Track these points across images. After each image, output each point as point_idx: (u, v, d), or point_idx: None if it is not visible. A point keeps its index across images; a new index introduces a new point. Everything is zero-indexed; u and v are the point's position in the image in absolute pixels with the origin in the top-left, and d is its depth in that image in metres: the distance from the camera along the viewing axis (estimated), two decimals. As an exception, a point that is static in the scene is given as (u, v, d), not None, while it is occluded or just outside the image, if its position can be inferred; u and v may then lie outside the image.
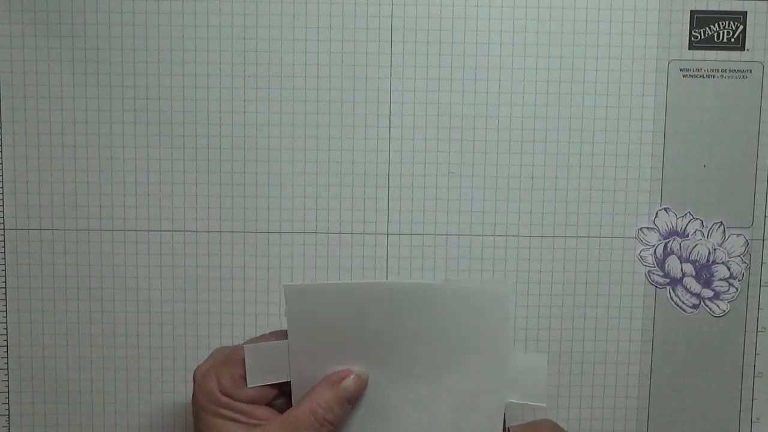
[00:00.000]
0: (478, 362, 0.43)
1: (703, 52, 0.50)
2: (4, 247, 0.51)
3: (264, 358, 0.43)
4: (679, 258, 0.51)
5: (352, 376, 0.43)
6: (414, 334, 0.42)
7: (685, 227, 0.51)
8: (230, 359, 0.43)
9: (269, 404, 0.43)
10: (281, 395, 0.43)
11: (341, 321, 0.42)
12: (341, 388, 0.42)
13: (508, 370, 0.43)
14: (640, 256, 0.51)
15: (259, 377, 0.43)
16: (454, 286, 0.42)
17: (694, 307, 0.52)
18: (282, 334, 0.43)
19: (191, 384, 0.43)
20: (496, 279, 0.42)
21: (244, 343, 0.43)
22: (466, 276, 0.51)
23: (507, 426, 0.47)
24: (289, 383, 0.43)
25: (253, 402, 0.42)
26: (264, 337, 0.44)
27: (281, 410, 0.43)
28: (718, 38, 0.50)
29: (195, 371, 0.43)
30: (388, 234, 0.51)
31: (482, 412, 0.43)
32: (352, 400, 0.43)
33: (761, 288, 0.52)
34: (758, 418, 0.52)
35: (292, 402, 0.43)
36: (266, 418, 0.42)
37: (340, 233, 0.51)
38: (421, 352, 0.43)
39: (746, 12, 0.50)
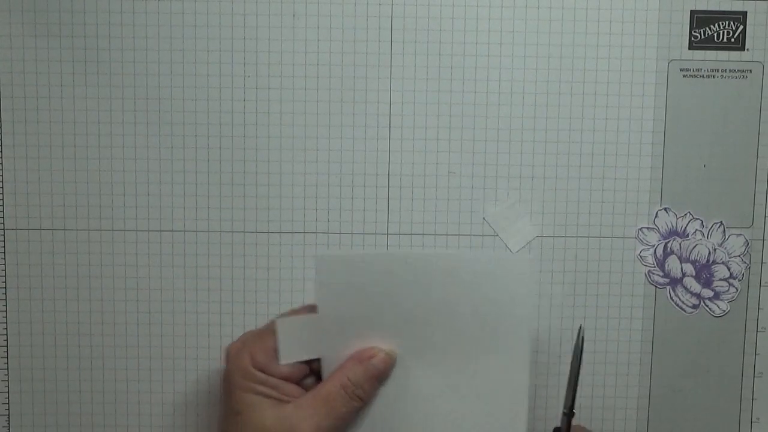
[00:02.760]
0: (503, 342, 0.43)
1: (703, 52, 0.50)
2: (4, 247, 0.51)
3: (296, 333, 0.43)
4: (679, 258, 0.51)
5: (381, 354, 0.43)
6: (442, 308, 0.42)
7: (685, 227, 0.51)
8: (263, 334, 0.43)
9: (299, 383, 0.43)
10: (311, 374, 0.44)
11: (370, 292, 0.42)
12: (370, 365, 0.43)
13: (530, 355, 0.43)
14: (640, 256, 0.51)
15: (291, 353, 0.43)
16: (480, 254, 0.42)
17: (694, 307, 0.52)
18: (313, 308, 0.43)
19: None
20: (518, 254, 0.43)
21: (276, 318, 0.43)
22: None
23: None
24: (318, 361, 0.43)
25: (285, 378, 0.43)
26: (295, 312, 0.44)
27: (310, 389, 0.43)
28: (718, 38, 0.50)
29: (228, 349, 0.44)
30: (388, 234, 0.51)
31: (506, 396, 0.43)
32: (381, 378, 0.43)
33: (761, 288, 0.52)
34: (758, 418, 0.52)
35: (322, 378, 0.43)
36: (297, 396, 0.43)
37: (340, 233, 0.51)
38: (448, 329, 0.43)
39: (746, 12, 0.50)
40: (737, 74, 0.50)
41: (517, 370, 0.43)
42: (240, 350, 0.43)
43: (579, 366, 0.46)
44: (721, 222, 0.51)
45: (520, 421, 0.43)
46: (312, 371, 0.44)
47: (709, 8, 0.50)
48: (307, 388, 0.43)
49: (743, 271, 0.51)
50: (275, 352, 0.42)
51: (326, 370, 0.43)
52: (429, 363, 0.43)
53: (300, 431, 0.42)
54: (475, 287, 0.42)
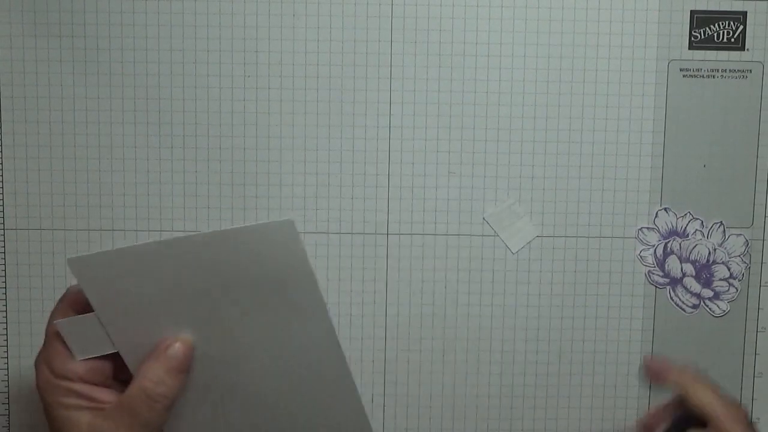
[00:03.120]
0: (293, 307, 0.42)
1: (703, 52, 0.50)
2: (4, 247, 0.51)
3: (80, 331, 0.40)
4: (679, 258, 0.51)
5: (175, 344, 0.40)
6: (224, 289, 0.41)
7: (685, 227, 0.51)
8: (50, 340, 0.40)
9: (110, 385, 0.41)
10: (121, 370, 0.41)
11: (142, 286, 0.40)
12: (167, 357, 0.40)
13: (328, 314, 0.42)
14: (640, 256, 0.51)
15: (84, 349, 0.40)
16: (237, 230, 0.40)
17: (694, 307, 0.52)
18: (78, 292, 0.41)
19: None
20: (280, 219, 0.41)
21: (53, 319, 0.40)
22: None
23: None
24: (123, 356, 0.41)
25: (91, 380, 0.40)
26: (67, 301, 0.41)
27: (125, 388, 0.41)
28: (718, 38, 0.50)
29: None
30: (388, 234, 0.51)
31: (319, 356, 0.42)
32: (183, 368, 0.41)
33: (761, 288, 0.52)
34: (758, 418, 0.52)
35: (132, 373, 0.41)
36: (110, 401, 0.40)
37: (340, 233, 0.51)
38: (233, 305, 0.41)
39: (746, 12, 0.50)
40: (737, 74, 0.50)
41: (319, 327, 0.42)
42: (37, 367, 0.40)
43: None
44: (721, 222, 0.51)
45: (346, 378, 0.43)
46: (122, 367, 0.41)
47: (709, 8, 0.50)
48: (123, 388, 0.41)
49: (743, 271, 0.51)
50: (69, 353, 0.40)
51: (130, 363, 0.41)
52: (227, 341, 0.42)
53: None
54: (248, 262, 0.41)
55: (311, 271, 0.41)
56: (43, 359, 0.41)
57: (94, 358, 0.41)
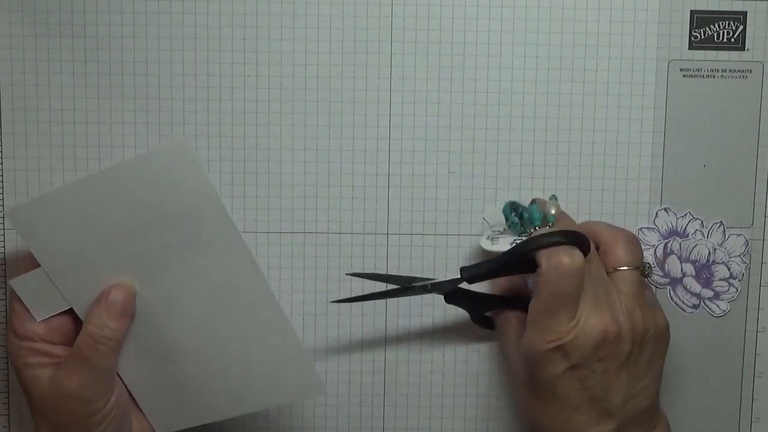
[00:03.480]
0: (208, 238, 0.43)
1: (703, 52, 0.50)
2: (4, 247, 0.51)
3: (33, 288, 0.43)
4: (679, 258, 0.51)
5: (117, 288, 0.43)
6: (143, 224, 0.43)
7: (685, 227, 0.51)
8: (11, 304, 0.44)
9: (71, 342, 0.44)
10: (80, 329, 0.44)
11: (78, 230, 0.42)
12: (109, 302, 0.43)
13: (243, 242, 0.43)
14: (640, 256, 0.51)
15: (42, 309, 0.43)
16: (135, 159, 0.42)
17: (694, 307, 0.52)
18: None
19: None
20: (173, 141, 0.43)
21: (9, 279, 0.44)
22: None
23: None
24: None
25: (52, 340, 0.44)
26: (26, 260, 0.44)
27: None
28: (718, 38, 0.50)
29: None
30: (388, 234, 0.51)
31: (243, 284, 0.44)
32: (126, 312, 0.43)
33: (761, 288, 0.52)
34: (758, 418, 0.52)
35: None
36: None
37: (340, 233, 0.51)
38: (157, 243, 0.43)
39: (746, 12, 0.50)
40: (737, 74, 0.50)
41: (237, 257, 0.43)
42: (7, 332, 0.44)
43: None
44: (721, 222, 0.51)
45: (268, 299, 0.44)
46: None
47: (709, 8, 0.50)
48: None
49: (743, 271, 0.51)
50: (29, 314, 0.43)
51: (83, 317, 0.44)
52: (165, 280, 0.44)
53: (68, 391, 0.42)
54: (155, 192, 0.42)
55: (216, 195, 0.42)
56: (9, 325, 0.44)
57: (53, 317, 0.44)
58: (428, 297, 0.51)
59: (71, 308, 0.44)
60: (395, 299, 0.51)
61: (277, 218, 0.51)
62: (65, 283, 0.44)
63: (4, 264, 0.51)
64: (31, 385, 0.44)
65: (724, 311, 0.52)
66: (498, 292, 0.49)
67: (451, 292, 0.47)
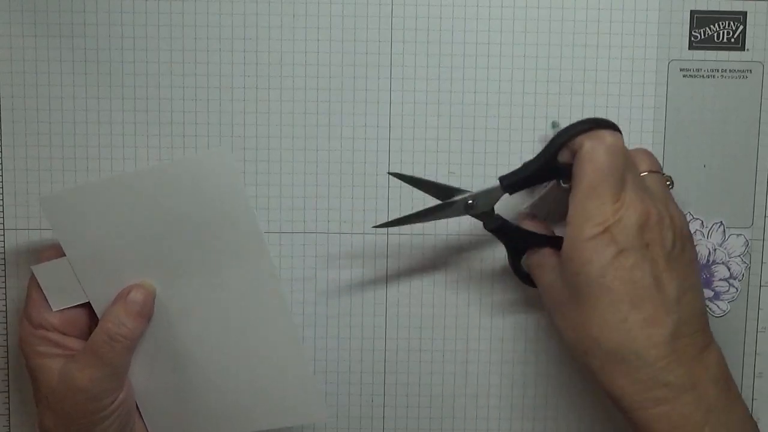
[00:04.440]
0: (238, 246, 0.43)
1: (703, 52, 0.50)
2: (4, 247, 0.51)
3: (56, 278, 0.44)
4: (679, 258, 0.51)
5: (137, 289, 0.44)
6: (174, 227, 0.43)
7: (685, 227, 0.51)
8: (29, 291, 0.45)
9: (84, 338, 0.45)
10: (95, 324, 0.45)
11: (108, 224, 0.43)
12: (129, 301, 0.43)
13: (269, 254, 0.44)
14: (640, 256, 0.51)
15: (60, 299, 0.44)
16: (173, 163, 0.43)
17: (694, 307, 0.52)
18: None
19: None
20: (213, 149, 0.43)
21: (32, 266, 0.44)
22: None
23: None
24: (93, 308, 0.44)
25: (66, 331, 0.44)
26: (49, 250, 0.45)
27: None
28: (718, 38, 0.50)
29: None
30: (387, 234, 0.51)
31: (263, 302, 0.44)
32: (144, 313, 0.44)
33: (761, 288, 0.52)
34: (758, 418, 0.52)
35: None
36: (80, 349, 0.44)
37: (340, 233, 0.51)
38: (188, 246, 0.43)
39: (746, 12, 0.50)
40: (737, 74, 0.50)
41: (262, 267, 0.44)
42: (21, 318, 0.45)
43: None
44: (721, 222, 0.51)
45: (285, 320, 0.45)
46: (95, 321, 0.45)
47: (709, 8, 0.50)
48: None
49: (743, 271, 0.51)
50: (45, 303, 0.44)
51: (100, 314, 0.44)
52: (185, 287, 0.44)
53: (77, 384, 0.43)
54: (190, 196, 0.43)
55: (251, 208, 0.43)
56: (23, 313, 0.44)
57: (69, 309, 0.44)
58: (430, 289, 0.51)
59: (88, 302, 0.45)
60: (394, 298, 0.51)
61: (277, 218, 0.51)
62: (87, 276, 0.44)
63: (5, 264, 0.51)
64: (40, 375, 0.44)
65: (724, 311, 0.52)
66: (535, 230, 0.47)
67: (491, 220, 0.45)
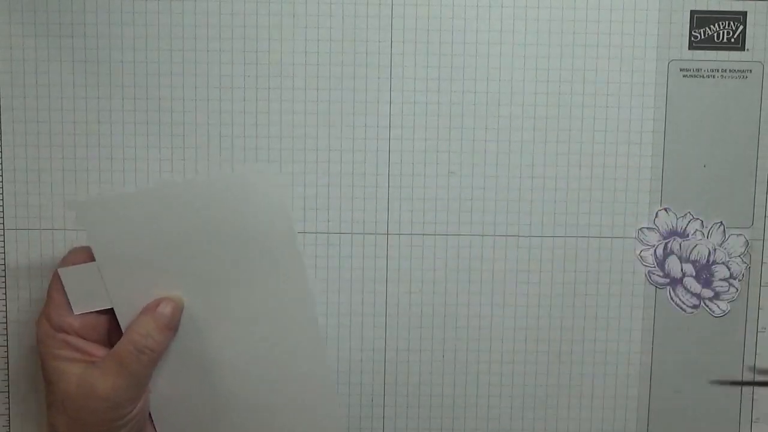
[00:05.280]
0: (275, 264, 0.43)
1: (703, 52, 0.50)
2: (4, 247, 0.51)
3: (82, 282, 0.43)
4: (679, 258, 0.51)
5: (166, 302, 0.44)
6: (209, 239, 0.43)
7: (685, 227, 0.51)
8: (51, 292, 0.44)
9: (104, 343, 0.44)
10: (115, 333, 0.45)
11: (141, 233, 0.43)
12: (158, 314, 0.43)
13: (306, 275, 0.44)
14: (640, 256, 0.51)
15: (83, 303, 0.43)
16: (219, 176, 0.43)
17: (694, 307, 0.52)
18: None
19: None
20: (264, 170, 0.43)
21: (57, 268, 0.44)
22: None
23: None
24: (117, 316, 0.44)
25: (86, 336, 0.44)
26: (76, 254, 0.45)
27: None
28: (718, 38, 0.50)
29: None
30: (388, 234, 0.51)
31: (295, 321, 0.44)
32: (172, 326, 0.44)
33: (761, 288, 0.52)
34: (758, 418, 0.52)
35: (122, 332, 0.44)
36: (102, 356, 0.43)
37: (340, 233, 0.51)
38: (222, 259, 0.43)
39: (746, 12, 0.50)
40: (737, 74, 0.50)
41: (296, 284, 0.43)
42: (38, 321, 0.44)
43: None
44: (721, 222, 0.51)
45: (314, 340, 0.44)
46: (115, 327, 0.45)
47: (709, 8, 0.50)
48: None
49: (743, 271, 0.51)
50: (68, 305, 0.43)
51: (123, 322, 0.44)
52: (215, 300, 0.44)
53: (98, 392, 0.42)
54: (231, 210, 0.42)
55: (292, 225, 0.42)
56: (43, 313, 0.44)
57: (91, 313, 0.44)
58: (430, 289, 0.51)
59: (111, 309, 0.44)
60: (394, 298, 0.51)
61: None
62: (114, 282, 0.44)
63: (5, 264, 0.51)
64: (58, 379, 0.43)
65: (724, 311, 0.52)
66: None
67: None
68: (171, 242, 0.43)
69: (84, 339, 0.44)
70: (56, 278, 0.44)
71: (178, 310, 0.44)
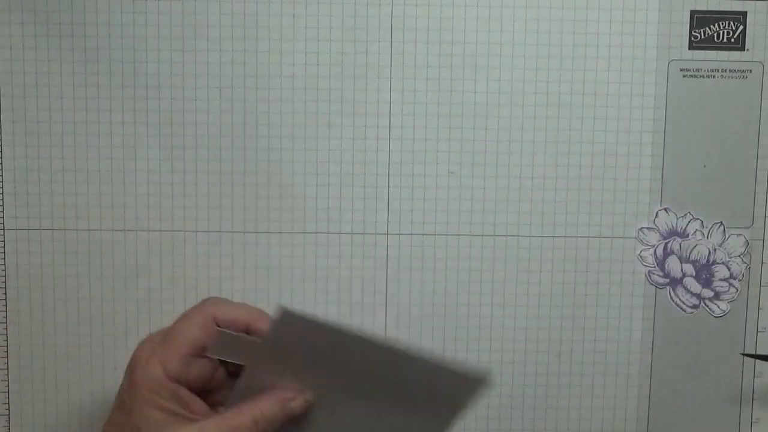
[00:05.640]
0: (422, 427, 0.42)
1: (703, 52, 0.50)
2: (4, 247, 0.51)
3: (231, 346, 0.41)
4: (679, 258, 0.51)
5: (301, 400, 0.41)
6: (377, 383, 0.41)
7: (685, 227, 0.51)
8: (171, 339, 0.41)
9: (207, 398, 0.42)
10: (221, 389, 0.42)
11: (316, 353, 0.41)
12: (288, 407, 0.41)
13: None
14: (640, 256, 0.51)
15: (221, 351, 0.41)
16: (437, 362, 0.40)
17: (694, 307, 0.52)
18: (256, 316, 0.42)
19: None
20: (479, 368, 0.41)
21: (220, 327, 0.41)
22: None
23: None
24: (230, 381, 0.42)
25: (192, 386, 0.41)
26: (210, 311, 0.42)
27: (213, 407, 0.42)
28: (718, 38, 0.50)
29: (133, 361, 0.41)
30: (388, 234, 0.51)
31: None
32: (295, 420, 0.41)
33: (761, 288, 0.52)
34: (758, 419, 0.52)
35: (230, 399, 0.41)
36: (201, 414, 0.41)
37: (340, 233, 0.51)
38: (374, 398, 0.41)
39: (746, 12, 0.50)
40: (737, 74, 0.50)
41: None
42: (149, 359, 0.40)
43: None
44: (721, 222, 0.51)
45: None
46: (219, 387, 0.42)
47: (709, 8, 0.50)
48: (212, 405, 0.42)
49: (743, 271, 0.51)
50: (189, 358, 0.40)
51: (244, 383, 0.41)
52: (346, 417, 0.42)
53: None
54: (418, 384, 0.41)
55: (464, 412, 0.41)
56: (158, 356, 0.40)
57: (210, 363, 0.41)
58: (430, 289, 0.51)
59: (228, 363, 0.42)
60: (394, 298, 0.51)
61: (277, 218, 0.51)
62: (261, 357, 0.41)
63: (5, 264, 0.51)
64: (148, 428, 0.39)
65: (724, 311, 0.52)
66: None
67: None
68: (335, 368, 0.41)
69: (190, 391, 0.41)
70: (188, 323, 0.41)
71: (305, 409, 0.42)
